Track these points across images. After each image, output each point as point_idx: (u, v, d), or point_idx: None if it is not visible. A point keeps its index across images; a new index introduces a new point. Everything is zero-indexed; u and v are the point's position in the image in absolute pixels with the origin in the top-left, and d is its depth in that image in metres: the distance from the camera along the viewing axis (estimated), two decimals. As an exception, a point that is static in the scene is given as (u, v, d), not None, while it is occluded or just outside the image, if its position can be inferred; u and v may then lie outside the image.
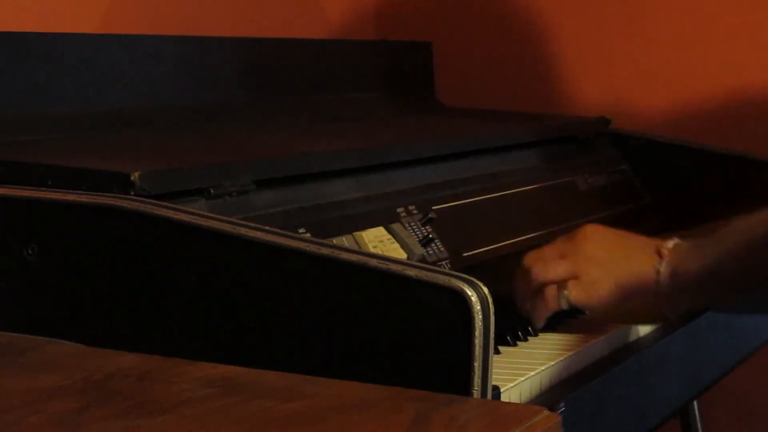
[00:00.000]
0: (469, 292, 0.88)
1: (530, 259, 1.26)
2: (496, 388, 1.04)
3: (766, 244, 1.15)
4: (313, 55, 1.86)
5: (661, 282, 1.19)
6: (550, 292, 1.23)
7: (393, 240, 1.25)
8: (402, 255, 1.24)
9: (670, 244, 1.21)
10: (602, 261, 1.22)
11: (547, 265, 1.24)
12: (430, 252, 1.29)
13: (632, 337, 1.32)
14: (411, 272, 0.91)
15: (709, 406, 2.03)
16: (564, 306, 1.23)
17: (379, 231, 1.25)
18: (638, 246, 1.23)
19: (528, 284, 1.25)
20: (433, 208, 1.35)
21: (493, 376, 0.91)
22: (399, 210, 1.31)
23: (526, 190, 1.57)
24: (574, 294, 1.23)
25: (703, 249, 1.19)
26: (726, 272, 1.18)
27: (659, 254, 1.20)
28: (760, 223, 1.17)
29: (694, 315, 1.29)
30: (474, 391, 0.88)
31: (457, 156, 1.50)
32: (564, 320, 1.32)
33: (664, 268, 1.19)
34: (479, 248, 1.37)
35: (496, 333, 0.91)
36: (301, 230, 1.16)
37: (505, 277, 1.36)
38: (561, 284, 1.23)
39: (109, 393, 0.81)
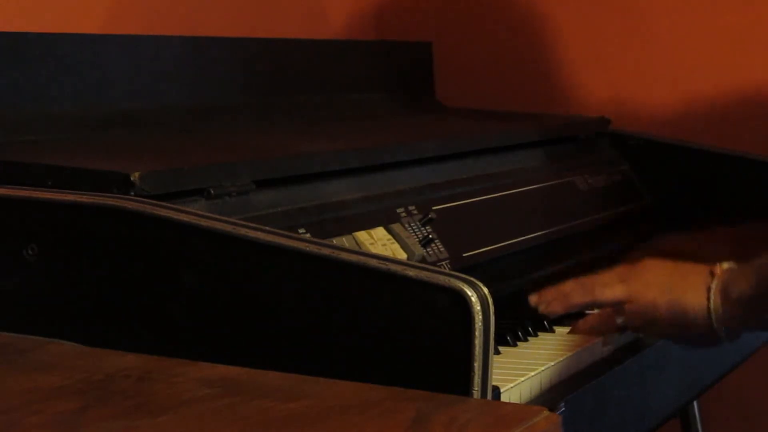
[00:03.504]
0: (469, 292, 0.88)
1: (592, 279, 1.29)
2: (496, 388, 1.04)
3: None
4: (313, 55, 1.86)
5: (712, 300, 1.21)
6: (606, 312, 1.27)
7: (393, 240, 1.25)
8: (402, 255, 1.24)
9: (725, 265, 1.23)
10: (658, 285, 1.25)
11: (606, 286, 1.27)
12: (430, 252, 1.29)
13: (632, 337, 1.32)
14: (411, 272, 0.90)
15: (709, 406, 2.03)
16: (620, 328, 1.27)
17: (379, 231, 1.25)
18: (693, 270, 1.25)
19: (584, 301, 1.28)
20: (433, 208, 1.35)
21: (493, 376, 0.91)
22: (399, 210, 1.31)
23: (526, 190, 1.57)
24: (631, 316, 1.26)
25: (754, 268, 1.22)
26: None
27: (712, 274, 1.22)
28: None
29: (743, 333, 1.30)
30: (474, 391, 0.88)
31: (457, 156, 1.50)
32: (564, 320, 1.32)
33: (715, 287, 1.21)
34: (479, 248, 1.37)
35: (496, 333, 0.91)
36: (301, 230, 1.16)
37: (506, 277, 1.36)
38: (618, 307, 1.26)
39: (109, 393, 0.81)
